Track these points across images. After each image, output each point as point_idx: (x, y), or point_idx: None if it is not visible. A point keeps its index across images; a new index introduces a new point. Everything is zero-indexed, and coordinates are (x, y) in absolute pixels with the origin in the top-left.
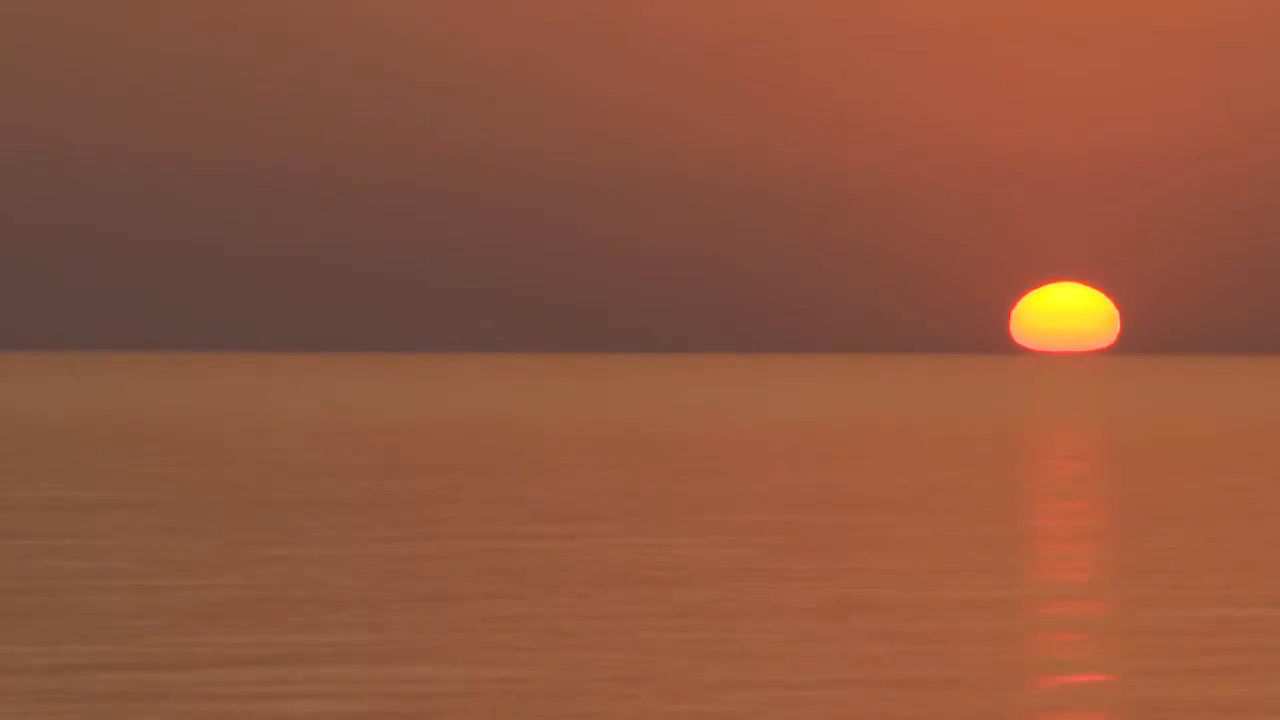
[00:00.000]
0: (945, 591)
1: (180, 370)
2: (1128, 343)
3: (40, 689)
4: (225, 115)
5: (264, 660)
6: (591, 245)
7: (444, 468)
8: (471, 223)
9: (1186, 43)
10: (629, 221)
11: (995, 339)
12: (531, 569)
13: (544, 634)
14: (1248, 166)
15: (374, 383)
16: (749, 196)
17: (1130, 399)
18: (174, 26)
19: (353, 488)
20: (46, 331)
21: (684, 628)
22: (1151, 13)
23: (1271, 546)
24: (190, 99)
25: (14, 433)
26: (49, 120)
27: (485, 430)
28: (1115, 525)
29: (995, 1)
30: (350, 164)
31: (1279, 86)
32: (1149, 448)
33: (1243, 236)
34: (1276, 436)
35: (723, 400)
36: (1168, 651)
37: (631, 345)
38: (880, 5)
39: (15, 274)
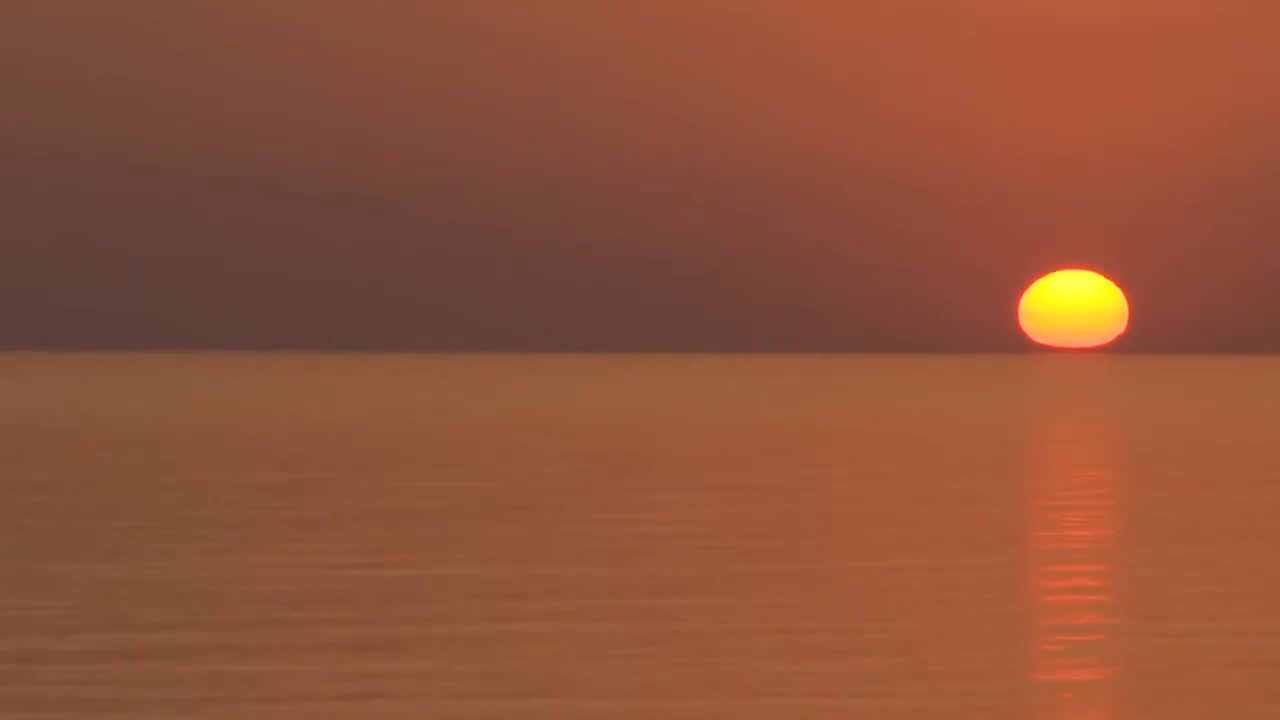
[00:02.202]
0: None
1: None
2: (1136, 334)
3: None
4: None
5: None
6: (586, 244)
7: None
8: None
9: (1191, 35)
10: (624, 220)
11: (1003, 332)
12: None
13: None
14: (1258, 156)
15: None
16: (747, 194)
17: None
18: (173, 26)
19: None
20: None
21: None
22: None
23: None
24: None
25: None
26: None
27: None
28: None
29: None
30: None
31: None
32: None
33: (1253, 225)
34: None
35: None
36: None
37: (618, 346)
38: None
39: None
